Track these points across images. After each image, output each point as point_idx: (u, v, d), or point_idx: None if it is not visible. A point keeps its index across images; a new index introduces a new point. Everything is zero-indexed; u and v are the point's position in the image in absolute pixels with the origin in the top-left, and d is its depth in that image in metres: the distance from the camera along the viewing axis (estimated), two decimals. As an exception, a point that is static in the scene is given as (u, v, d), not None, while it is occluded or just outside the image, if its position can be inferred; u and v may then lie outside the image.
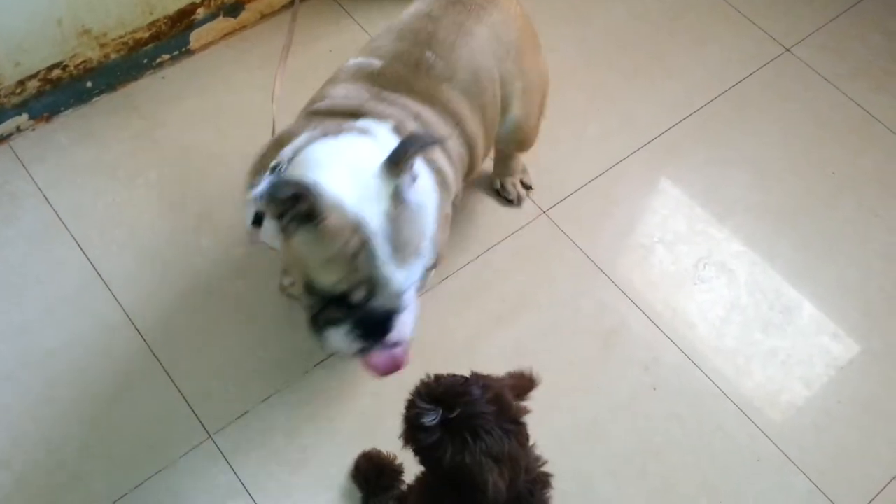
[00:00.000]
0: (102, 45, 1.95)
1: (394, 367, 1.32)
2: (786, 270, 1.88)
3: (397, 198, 1.20)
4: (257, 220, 1.35)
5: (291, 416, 1.63)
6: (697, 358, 1.75)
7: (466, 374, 1.17)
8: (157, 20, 2.00)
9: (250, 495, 1.55)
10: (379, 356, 1.31)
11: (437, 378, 1.16)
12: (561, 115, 2.02)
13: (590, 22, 2.26)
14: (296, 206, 1.15)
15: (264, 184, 1.19)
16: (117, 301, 1.75)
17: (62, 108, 1.98)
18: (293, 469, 1.58)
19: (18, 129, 1.95)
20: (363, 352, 1.28)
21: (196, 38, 2.10)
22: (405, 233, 1.20)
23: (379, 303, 1.22)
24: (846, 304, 1.85)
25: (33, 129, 1.96)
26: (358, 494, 1.53)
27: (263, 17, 2.20)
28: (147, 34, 2.01)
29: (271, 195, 1.15)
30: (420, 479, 1.32)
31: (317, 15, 2.22)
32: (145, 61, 2.05)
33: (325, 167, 1.23)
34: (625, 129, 2.08)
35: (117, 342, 1.70)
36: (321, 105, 1.44)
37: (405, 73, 1.45)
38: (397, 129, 1.35)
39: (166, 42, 2.05)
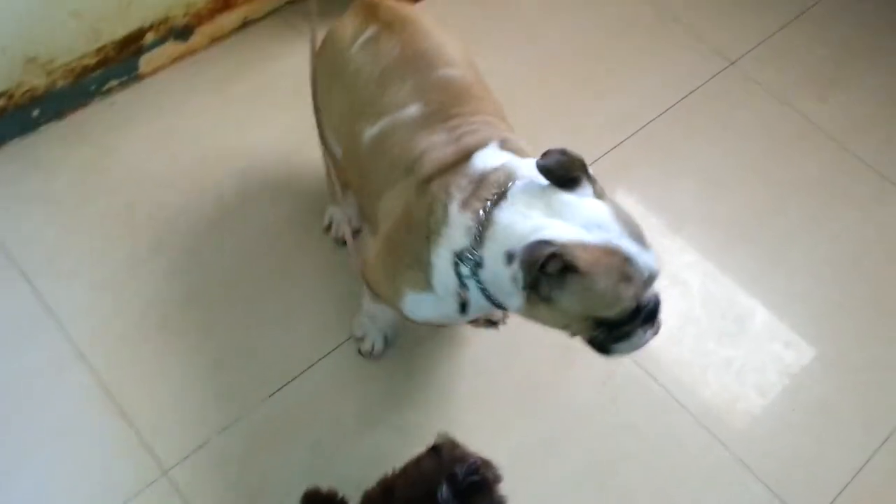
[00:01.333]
0: (49, 73, 1.92)
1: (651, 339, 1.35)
2: (737, 280, 1.92)
3: (602, 197, 1.25)
4: (463, 308, 1.34)
5: (249, 446, 1.61)
6: (653, 370, 1.77)
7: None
8: (105, 46, 1.98)
9: (209, 527, 1.53)
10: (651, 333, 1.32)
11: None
12: (513, 133, 2.04)
13: (536, 40, 2.29)
14: (547, 270, 1.15)
15: (517, 270, 1.18)
16: (66, 333, 1.72)
17: (8, 138, 1.95)
18: (251, 498, 1.56)
19: (-37, 160, 1.92)
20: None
21: (145, 62, 2.08)
22: (632, 224, 1.23)
23: (653, 292, 1.26)
24: (797, 311, 1.88)
25: (-22, 160, 1.93)
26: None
27: (214, 40, 2.19)
28: (94, 60, 1.98)
29: (531, 267, 1.15)
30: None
31: (269, 37, 2.21)
32: (93, 88, 2.03)
33: (530, 221, 1.21)
34: (575, 146, 2.05)
35: (67, 375, 1.67)
36: (426, 170, 1.34)
37: (445, 100, 1.40)
38: (504, 145, 1.35)
39: (115, 68, 2.03)
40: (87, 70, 1.99)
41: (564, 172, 1.24)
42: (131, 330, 1.73)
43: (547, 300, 1.21)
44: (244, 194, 1.94)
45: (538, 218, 1.21)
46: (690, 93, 2.22)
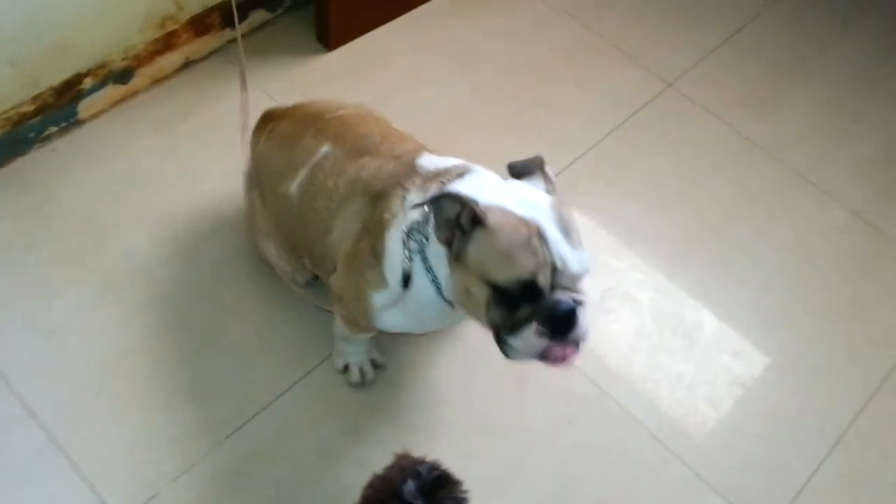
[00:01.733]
0: (-15, 122, 1.90)
1: (569, 361, 1.29)
2: (685, 294, 1.95)
3: (552, 193, 1.31)
4: (406, 281, 1.36)
5: (204, 493, 1.59)
6: (609, 388, 1.79)
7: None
8: (42, 93, 1.96)
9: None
10: (560, 349, 1.27)
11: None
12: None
13: (480, 67, 2.32)
14: (461, 221, 1.23)
15: (431, 214, 1.26)
16: (12, 389, 1.67)
17: (-55, 189, 1.92)
18: (211, 543, 1.54)
19: None
20: (548, 350, 1.27)
21: (85, 107, 2.06)
22: (567, 219, 1.27)
23: (561, 286, 1.23)
24: (743, 322, 1.92)
25: (-85, 213, 1.89)
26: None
27: (155, 81, 2.18)
28: (32, 108, 1.96)
29: (439, 212, 1.23)
30: None
31: (212, 76, 2.21)
32: (32, 135, 2.00)
33: (472, 192, 1.27)
34: (523, 170, 2.13)
35: (16, 432, 1.63)
36: (377, 185, 1.43)
37: (348, 133, 1.55)
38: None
39: (53, 114, 2.01)
40: (24, 118, 1.96)
41: (524, 169, 1.35)
42: (80, 380, 1.70)
43: (458, 258, 1.26)
44: (194, 234, 1.93)
45: (476, 192, 1.28)
46: (633, 114, 2.28)
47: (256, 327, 1.80)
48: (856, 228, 2.10)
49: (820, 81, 2.41)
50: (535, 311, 1.23)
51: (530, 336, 1.25)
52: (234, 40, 2.26)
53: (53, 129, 2.03)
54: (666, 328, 1.89)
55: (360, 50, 2.33)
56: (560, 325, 1.24)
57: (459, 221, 1.24)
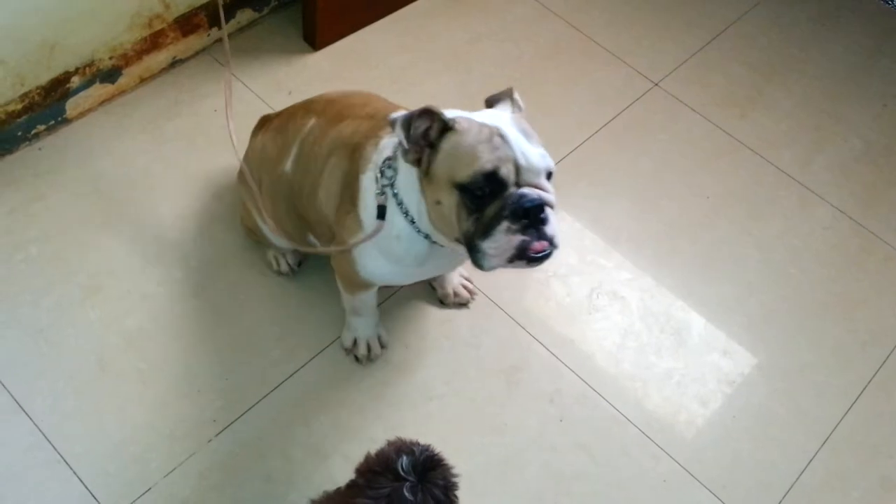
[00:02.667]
0: (-29, 120, 1.88)
1: (546, 255, 1.29)
2: (672, 293, 1.97)
3: (515, 109, 1.40)
4: (381, 213, 1.40)
5: (196, 488, 1.58)
6: (598, 386, 1.80)
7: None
8: (30, 91, 1.95)
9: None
10: (536, 243, 1.28)
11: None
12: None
13: (466, 66, 2.33)
14: (430, 134, 1.30)
15: (398, 130, 1.29)
16: (3, 386, 1.67)
17: (-70, 188, 1.90)
18: (202, 542, 1.53)
19: None
20: (522, 251, 1.27)
21: (72, 106, 2.05)
22: (527, 127, 1.34)
23: (527, 183, 1.27)
24: (731, 321, 1.94)
25: None
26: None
27: (143, 80, 2.17)
28: (20, 106, 1.95)
29: (409, 130, 1.28)
30: None
31: (199, 75, 2.21)
32: (19, 133, 1.99)
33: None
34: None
35: (5, 429, 1.62)
36: (355, 139, 1.50)
37: (335, 108, 1.61)
38: None
39: (41, 113, 2.00)
40: (11, 116, 1.95)
41: (495, 98, 1.43)
42: (70, 377, 1.69)
43: (427, 173, 1.32)
44: (181, 233, 1.92)
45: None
46: (619, 113, 2.29)
47: (246, 325, 1.80)
48: (841, 227, 2.12)
49: (805, 81, 2.43)
50: (502, 207, 1.26)
51: (501, 236, 1.27)
52: (220, 40, 2.26)
53: (41, 127, 2.02)
54: (654, 327, 1.91)
55: (346, 50, 2.33)
56: (529, 218, 1.26)
57: (429, 135, 1.31)
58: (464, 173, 1.27)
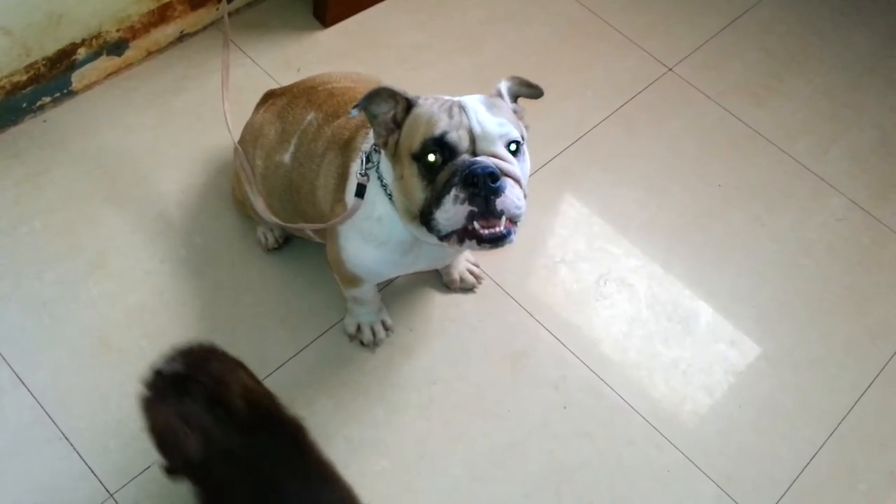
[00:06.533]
0: (-23, 91, 1.86)
1: (498, 237, 1.26)
2: (681, 282, 1.94)
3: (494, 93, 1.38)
4: (360, 192, 1.41)
5: (197, 466, 1.58)
6: (604, 373, 1.78)
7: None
8: (36, 62, 1.92)
9: (157, 553, 1.49)
10: (485, 225, 1.25)
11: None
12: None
13: (482, 50, 2.30)
14: (396, 115, 1.32)
15: (357, 111, 1.31)
16: (4, 359, 1.66)
17: (-65, 158, 1.88)
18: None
19: None
20: (473, 230, 1.25)
21: (78, 78, 2.03)
22: (497, 103, 1.33)
23: (482, 151, 1.26)
24: (740, 311, 1.92)
25: None
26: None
27: (150, 54, 2.14)
28: (25, 77, 1.93)
29: (375, 113, 1.32)
30: None
31: (207, 50, 2.18)
32: (24, 105, 1.97)
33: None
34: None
35: (6, 403, 1.61)
36: (347, 134, 1.53)
37: (333, 102, 1.60)
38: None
39: (46, 84, 1.98)
40: (16, 87, 1.93)
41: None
42: (73, 352, 1.68)
43: (395, 155, 1.34)
44: (187, 209, 1.90)
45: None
46: (631, 98, 2.26)
47: (249, 304, 1.79)
48: (854, 218, 2.09)
49: (821, 69, 2.39)
50: (452, 174, 1.25)
51: (450, 205, 1.24)
52: (229, 13, 2.23)
53: (46, 99, 2.00)
54: (662, 315, 1.89)
55: (357, 27, 2.30)
56: (477, 188, 1.22)
57: (395, 118, 1.33)
58: (417, 140, 1.28)
